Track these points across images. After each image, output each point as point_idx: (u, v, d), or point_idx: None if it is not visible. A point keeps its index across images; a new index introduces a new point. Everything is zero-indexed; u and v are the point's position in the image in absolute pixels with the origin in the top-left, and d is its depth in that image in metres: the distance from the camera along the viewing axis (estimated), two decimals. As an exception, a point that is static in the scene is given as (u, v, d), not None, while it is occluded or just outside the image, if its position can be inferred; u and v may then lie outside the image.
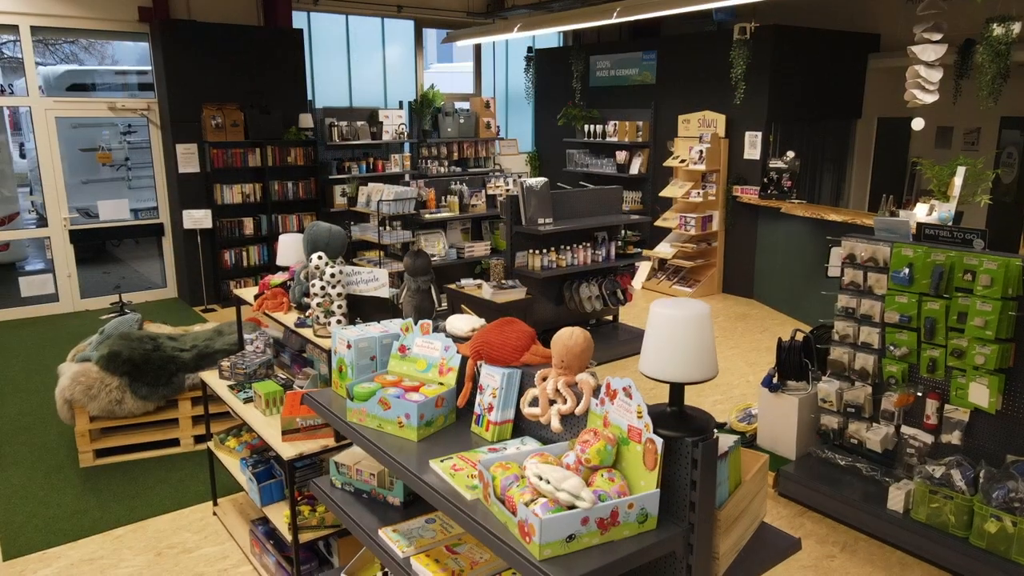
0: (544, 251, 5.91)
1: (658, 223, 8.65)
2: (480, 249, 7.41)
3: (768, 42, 7.62)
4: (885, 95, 8.92)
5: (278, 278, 3.52)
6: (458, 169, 9.84)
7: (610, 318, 6.83)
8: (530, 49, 10.41)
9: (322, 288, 2.92)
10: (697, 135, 8.34)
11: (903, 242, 3.79)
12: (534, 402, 1.90)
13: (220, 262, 7.92)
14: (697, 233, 8.23)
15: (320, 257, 2.94)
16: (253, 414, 3.21)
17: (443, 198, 7.37)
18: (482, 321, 2.27)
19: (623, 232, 6.42)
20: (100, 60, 10.80)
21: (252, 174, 8.01)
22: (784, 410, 4.18)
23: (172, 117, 7.54)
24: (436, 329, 2.25)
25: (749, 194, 8.01)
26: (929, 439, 3.67)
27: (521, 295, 5.73)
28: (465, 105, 10.21)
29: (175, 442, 4.53)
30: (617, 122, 9.15)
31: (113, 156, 10.21)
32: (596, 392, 1.78)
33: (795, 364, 4.20)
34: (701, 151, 8.12)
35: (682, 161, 8.43)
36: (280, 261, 3.69)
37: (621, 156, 9.22)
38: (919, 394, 3.73)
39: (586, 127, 9.57)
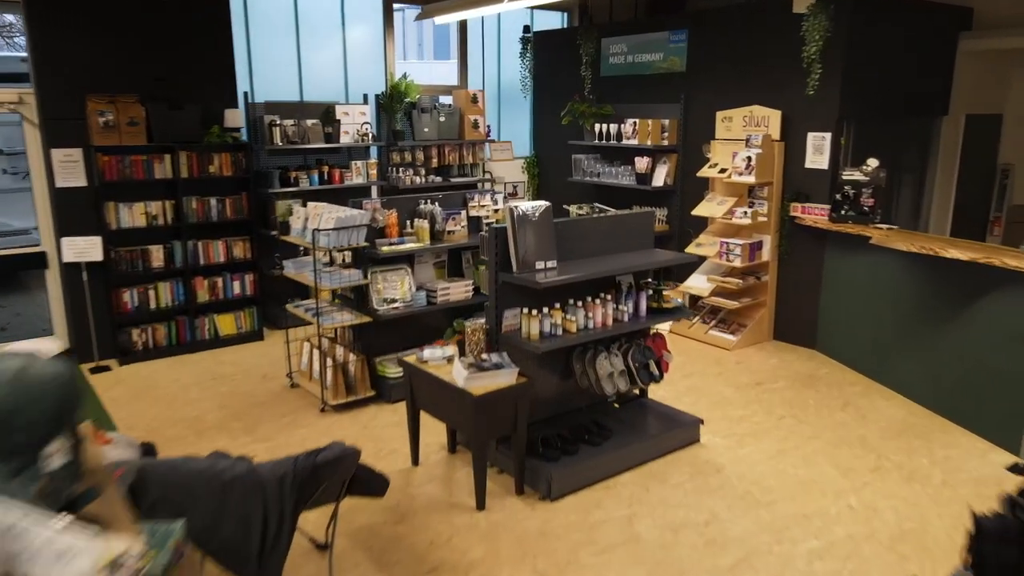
0: (545, 310, 4.00)
1: (689, 249, 6.74)
2: (459, 291, 5.51)
3: (844, 14, 5.72)
4: (976, 86, 7.02)
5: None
6: (438, 179, 7.94)
7: (636, 392, 4.92)
8: (527, 29, 8.49)
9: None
10: (742, 137, 6.44)
11: None
12: None
13: (117, 304, 6.01)
14: (743, 264, 6.33)
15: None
16: None
17: (409, 222, 5.47)
18: None
19: (658, 276, 4.53)
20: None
21: (160, 188, 6.10)
22: (989, 650, 2.28)
23: (45, 113, 5.64)
24: None
25: (814, 214, 6.11)
26: None
27: (511, 379, 3.83)
28: (448, 99, 8.30)
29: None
30: (637, 120, 7.24)
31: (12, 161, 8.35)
32: None
33: (1011, 558, 2.30)
34: (749, 158, 6.22)
35: (723, 171, 6.53)
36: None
37: (641, 163, 7.32)
38: None
39: (597, 127, 7.66)
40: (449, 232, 5.56)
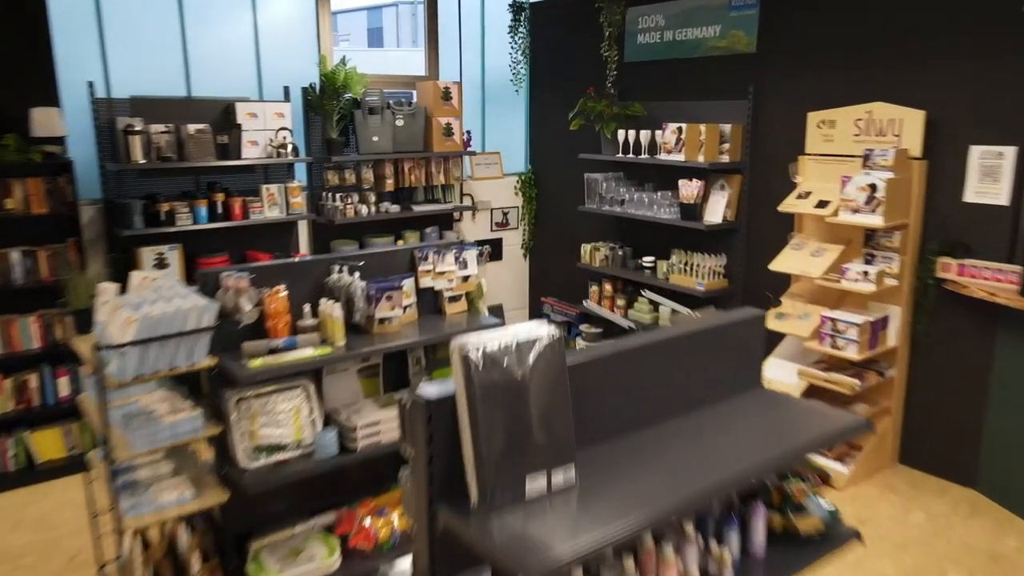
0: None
1: (768, 323, 4.40)
2: (397, 425, 3.18)
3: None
4: None
5: None
6: (394, 208, 5.60)
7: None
8: (520, -7, 6.13)
9: None
10: (854, 152, 4.12)
11: None
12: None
13: None
14: (862, 355, 3.98)
15: None
16: None
17: (310, 306, 3.13)
18: None
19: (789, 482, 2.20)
20: None
21: (-84, 239, 3.78)
22: None
23: None
24: None
25: (983, 278, 3.78)
26: None
27: None
28: (411, 94, 5.96)
29: None
30: (682, 126, 4.88)
31: None
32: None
33: None
34: (873, 186, 3.88)
35: (822, 204, 4.19)
36: None
37: (688, 189, 4.96)
38: None
39: (621, 134, 5.32)
40: (382, 320, 3.22)
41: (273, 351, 2.94)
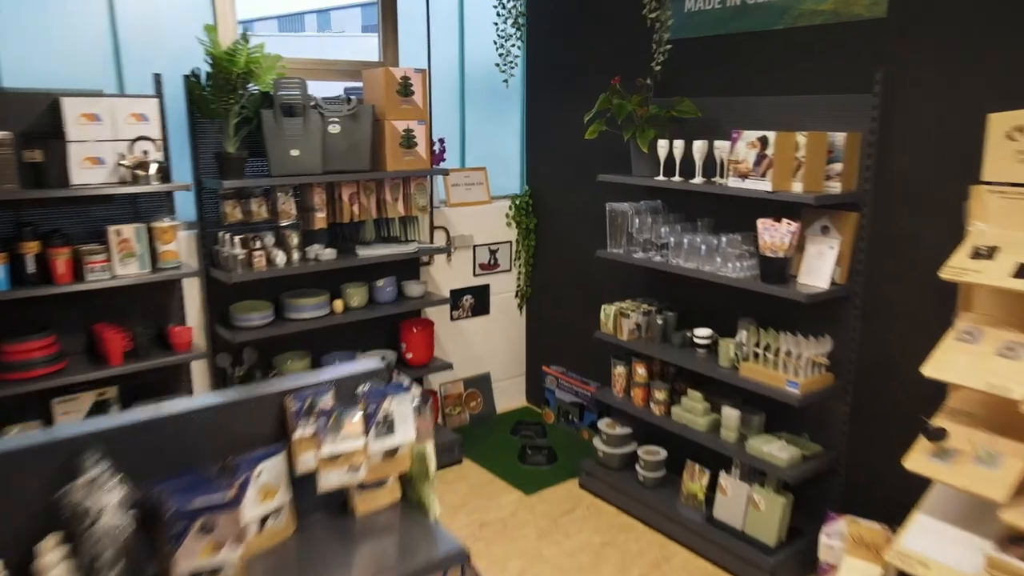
0: None
1: (915, 465, 2.63)
2: None
3: None
4: None
5: None
6: (328, 253, 3.82)
7: None
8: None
9: None
10: (1095, 184, 2.34)
11: None
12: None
13: None
14: (1120, 551, 2.19)
15: None
16: None
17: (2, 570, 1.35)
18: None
19: None
20: None
21: None
22: None
23: None
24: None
25: None
26: None
27: None
28: (353, 88, 4.16)
29: None
30: (767, 134, 3.09)
31: None
32: None
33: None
34: None
35: (1029, 272, 2.41)
36: None
37: (774, 234, 3.16)
38: None
39: (661, 146, 3.53)
40: None
41: None
